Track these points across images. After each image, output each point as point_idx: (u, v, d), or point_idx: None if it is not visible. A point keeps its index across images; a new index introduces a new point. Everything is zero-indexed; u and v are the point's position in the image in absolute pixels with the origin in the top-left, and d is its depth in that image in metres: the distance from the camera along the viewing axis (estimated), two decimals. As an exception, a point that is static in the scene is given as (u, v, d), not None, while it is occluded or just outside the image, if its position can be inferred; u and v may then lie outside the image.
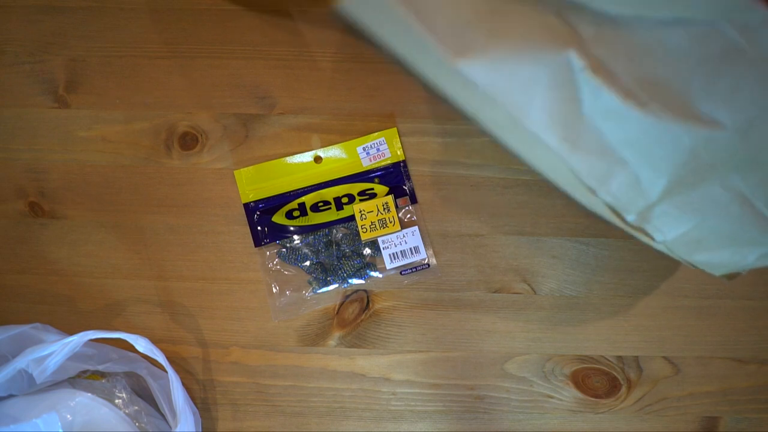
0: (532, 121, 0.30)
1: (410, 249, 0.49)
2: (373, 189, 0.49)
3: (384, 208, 0.49)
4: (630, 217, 0.33)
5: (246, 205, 0.50)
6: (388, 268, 0.49)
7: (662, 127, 0.30)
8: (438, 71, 0.31)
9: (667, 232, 0.33)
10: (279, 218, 0.49)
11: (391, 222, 0.49)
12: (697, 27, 0.29)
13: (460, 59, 0.28)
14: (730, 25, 0.29)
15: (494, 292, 0.49)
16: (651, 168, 0.31)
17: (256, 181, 0.50)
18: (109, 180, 0.50)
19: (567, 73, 0.29)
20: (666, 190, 0.32)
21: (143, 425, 0.43)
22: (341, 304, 0.49)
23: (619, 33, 0.29)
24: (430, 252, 0.49)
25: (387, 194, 0.49)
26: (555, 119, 0.30)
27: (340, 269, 0.48)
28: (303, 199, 0.49)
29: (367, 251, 0.49)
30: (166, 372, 0.42)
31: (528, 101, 0.30)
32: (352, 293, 0.49)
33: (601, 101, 0.30)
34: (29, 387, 0.42)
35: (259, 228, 0.49)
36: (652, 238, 0.34)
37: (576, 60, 0.29)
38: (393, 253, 0.49)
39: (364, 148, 0.50)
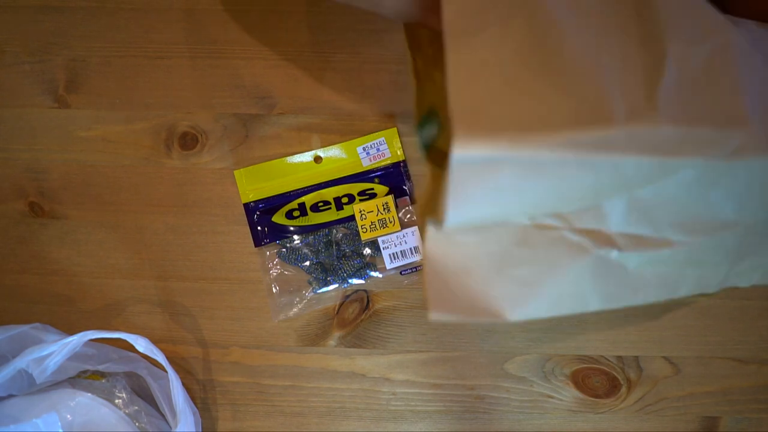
0: (596, 306, 0.33)
1: (410, 249, 0.49)
2: (373, 189, 0.49)
3: (384, 208, 0.49)
4: (711, 291, 0.36)
5: (246, 205, 0.50)
6: (388, 268, 0.49)
7: (704, 247, 0.33)
8: None
9: (747, 281, 0.37)
10: (279, 218, 0.49)
11: (391, 222, 0.49)
12: (689, 172, 0.30)
13: (514, 317, 0.31)
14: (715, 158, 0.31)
15: (494, 292, 0.49)
16: (710, 269, 0.35)
17: (256, 181, 0.50)
18: (109, 180, 0.50)
19: (604, 263, 0.32)
20: (731, 266, 0.35)
21: (143, 425, 0.43)
22: (341, 304, 0.49)
23: (629, 205, 0.31)
24: (430, 252, 0.49)
25: (387, 194, 0.49)
26: (612, 292, 0.33)
27: (340, 269, 0.48)
28: (303, 199, 0.49)
29: (367, 251, 0.49)
30: (166, 372, 0.42)
31: (584, 300, 0.33)
32: (352, 293, 0.49)
33: (642, 259, 0.33)
34: (29, 387, 0.42)
35: (259, 228, 0.49)
36: (738, 286, 0.37)
37: (604, 251, 0.32)
38: (393, 253, 0.49)
39: (364, 148, 0.50)
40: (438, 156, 0.35)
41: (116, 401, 0.44)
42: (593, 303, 0.33)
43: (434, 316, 0.31)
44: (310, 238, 0.49)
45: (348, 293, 0.49)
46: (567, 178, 0.28)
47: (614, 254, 0.32)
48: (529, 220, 0.30)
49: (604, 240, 0.31)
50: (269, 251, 0.49)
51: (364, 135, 0.50)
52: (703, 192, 0.30)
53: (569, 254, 0.31)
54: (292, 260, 0.49)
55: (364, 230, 0.49)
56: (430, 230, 0.30)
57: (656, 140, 0.28)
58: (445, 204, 0.28)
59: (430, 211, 0.31)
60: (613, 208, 0.30)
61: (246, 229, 0.49)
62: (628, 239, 0.32)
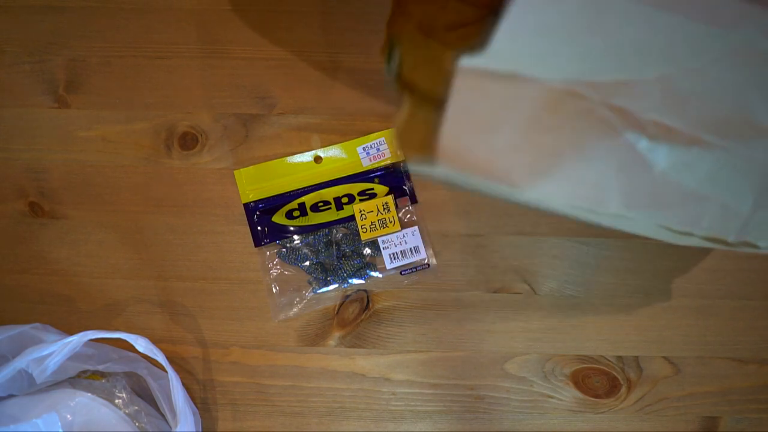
0: (615, 207, 0.31)
1: (410, 249, 0.49)
2: (373, 189, 0.49)
3: (384, 208, 0.49)
4: (731, 239, 0.34)
5: (246, 205, 0.50)
6: (388, 268, 0.49)
7: (733, 155, 0.31)
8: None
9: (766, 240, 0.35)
10: (279, 218, 0.49)
11: (391, 222, 0.49)
12: (730, 52, 0.29)
13: (528, 189, 0.30)
14: (760, 34, 0.29)
15: (494, 292, 0.49)
16: (735, 193, 0.33)
17: (256, 181, 0.50)
18: (109, 180, 0.50)
19: (630, 152, 0.30)
20: (755, 203, 0.33)
21: (143, 425, 0.43)
22: (341, 304, 0.49)
23: (664, 90, 0.30)
24: (430, 252, 0.49)
25: (387, 194, 0.49)
26: (634, 194, 0.31)
27: (340, 269, 0.48)
28: (303, 199, 0.49)
29: (367, 251, 0.49)
30: (166, 372, 0.42)
31: (604, 194, 0.31)
32: (352, 293, 0.49)
33: (669, 158, 0.31)
34: (29, 387, 0.42)
35: (259, 228, 0.49)
36: (757, 246, 0.35)
37: (633, 136, 0.30)
38: (393, 253, 0.49)
39: (364, 148, 0.50)
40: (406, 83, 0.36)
41: (116, 401, 0.44)
42: (612, 201, 0.31)
43: (441, 165, 0.29)
44: (310, 238, 0.49)
45: (348, 293, 0.49)
46: (623, 28, 0.27)
47: (643, 144, 0.30)
48: (562, 83, 0.29)
49: (634, 123, 0.30)
50: (269, 251, 0.49)
51: (364, 135, 0.50)
52: (741, 89, 0.29)
53: (597, 131, 0.30)
54: (292, 260, 0.49)
55: (364, 230, 0.49)
56: (465, 62, 0.28)
57: (717, 4, 0.27)
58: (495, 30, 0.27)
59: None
60: (649, 89, 0.29)
61: (246, 229, 0.49)
62: (659, 128, 0.30)
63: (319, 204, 0.49)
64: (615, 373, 0.48)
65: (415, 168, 0.31)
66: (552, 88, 0.29)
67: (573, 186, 0.31)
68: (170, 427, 0.44)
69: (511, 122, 0.29)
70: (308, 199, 0.49)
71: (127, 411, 0.43)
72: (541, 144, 0.30)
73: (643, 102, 0.30)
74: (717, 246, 0.35)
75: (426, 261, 0.49)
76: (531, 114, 0.29)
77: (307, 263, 0.49)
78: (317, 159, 0.50)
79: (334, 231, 0.49)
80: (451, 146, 0.29)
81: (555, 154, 0.30)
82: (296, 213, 0.49)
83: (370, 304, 0.49)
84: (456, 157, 0.29)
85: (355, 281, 0.49)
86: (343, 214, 0.49)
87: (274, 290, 0.49)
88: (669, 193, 0.32)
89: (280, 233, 0.49)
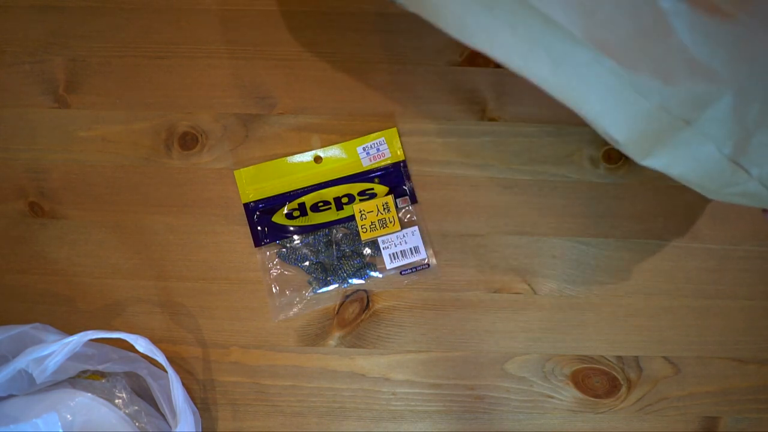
0: (619, 60, 0.28)
1: (410, 249, 0.49)
2: (373, 189, 0.49)
3: (384, 208, 0.49)
4: (726, 150, 0.31)
5: (246, 205, 0.50)
6: (388, 268, 0.49)
7: (754, 39, 0.28)
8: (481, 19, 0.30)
9: (764, 164, 0.32)
10: (279, 218, 0.49)
11: (391, 222, 0.49)
12: None
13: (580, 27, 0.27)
14: None
15: (494, 292, 0.49)
16: (747, 91, 0.30)
17: (256, 181, 0.50)
18: (109, 180, 0.50)
19: (651, 5, 0.27)
20: (761, 114, 0.30)
21: (143, 425, 0.43)
22: (341, 304, 0.49)
23: None
24: (430, 252, 0.49)
25: (387, 194, 0.49)
26: (646, 54, 0.28)
27: (340, 269, 0.48)
28: (303, 199, 0.49)
29: (367, 251, 0.49)
30: (166, 372, 0.42)
31: (612, 37, 0.28)
32: (352, 293, 0.49)
33: (690, 24, 0.28)
34: (29, 387, 0.42)
35: (259, 228, 0.49)
36: (748, 172, 0.32)
37: None
38: (393, 253, 0.49)
39: (364, 148, 0.50)
40: None
41: (116, 401, 0.44)
42: (614, 52, 0.28)
43: None
44: (310, 238, 0.49)
45: (348, 293, 0.49)
46: None
47: (666, 2, 0.27)
48: None
49: None
50: (269, 251, 0.49)
51: (364, 135, 0.50)
52: None
53: None
54: (292, 260, 0.49)
55: (364, 230, 0.49)
56: None
57: None
58: None
59: None
60: None
61: (246, 229, 0.49)
62: None
63: (319, 204, 0.49)
64: (615, 373, 0.48)
65: None
66: None
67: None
68: (170, 427, 0.44)
69: None
70: (308, 199, 0.49)
71: (127, 411, 0.43)
72: None
73: None
74: (701, 161, 0.32)
75: (426, 261, 0.49)
76: None
77: (307, 263, 0.49)
78: (317, 159, 0.50)
79: (334, 231, 0.49)
80: None
81: None
82: (296, 213, 0.49)
83: (370, 304, 0.49)
84: None
85: (355, 281, 0.49)
86: (343, 214, 0.49)
87: (274, 290, 0.49)
88: (682, 68, 0.28)
89: (280, 233, 0.49)
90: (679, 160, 0.32)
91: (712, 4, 0.28)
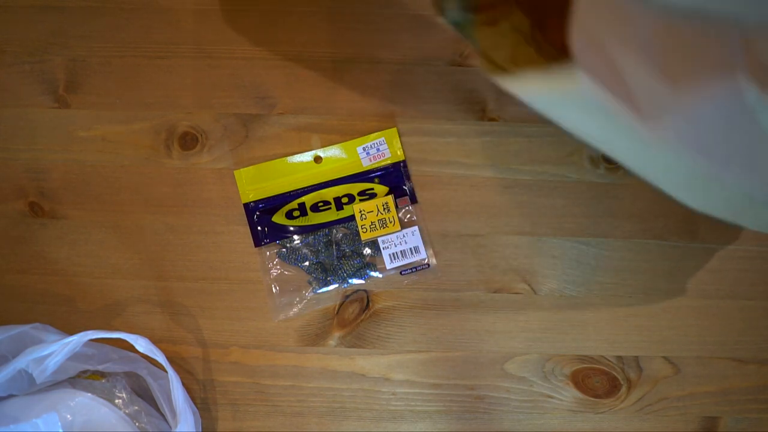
0: (719, 163, 0.27)
1: (410, 249, 0.49)
2: (373, 189, 0.49)
3: (384, 208, 0.49)
4: None
5: (246, 205, 0.50)
6: (388, 268, 0.49)
7: None
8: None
9: None
10: (279, 218, 0.49)
11: (391, 222, 0.49)
12: None
13: (653, 125, 0.26)
14: None
15: (494, 292, 0.49)
16: None
17: (256, 181, 0.50)
18: (109, 180, 0.50)
19: (737, 99, 0.26)
20: None
21: (143, 425, 0.43)
22: (341, 304, 0.49)
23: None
24: (430, 252, 0.49)
25: (387, 194, 0.49)
26: (734, 151, 0.27)
27: (340, 269, 0.48)
28: (303, 199, 0.49)
29: (367, 251, 0.49)
30: (166, 372, 0.42)
31: (712, 145, 0.27)
32: (352, 293, 0.49)
33: None
34: (29, 387, 0.42)
35: (259, 228, 0.49)
36: None
37: (745, 83, 0.25)
38: (393, 253, 0.49)
39: (364, 148, 0.50)
40: None
41: (116, 401, 0.44)
42: (717, 155, 0.26)
43: (581, 75, 0.23)
44: (310, 238, 0.49)
45: (348, 293, 0.49)
46: None
47: (752, 95, 0.25)
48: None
49: (754, 65, 0.25)
50: (269, 251, 0.49)
51: (364, 135, 0.50)
52: None
53: (712, 63, 0.25)
54: (292, 260, 0.49)
55: (364, 230, 0.49)
56: None
57: None
58: None
59: None
60: None
61: (246, 229, 0.49)
62: None
63: (319, 204, 0.49)
64: (615, 373, 0.48)
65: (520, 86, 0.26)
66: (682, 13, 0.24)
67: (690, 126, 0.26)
68: (170, 427, 0.44)
69: (635, 37, 0.25)
70: (308, 199, 0.49)
71: (127, 411, 0.43)
72: (665, 66, 0.24)
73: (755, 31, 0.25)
74: None
75: (426, 261, 0.49)
76: (651, 32, 0.25)
77: (307, 263, 0.49)
78: (317, 159, 0.50)
79: (334, 231, 0.49)
80: (582, 45, 0.24)
81: (677, 82, 0.25)
82: (296, 213, 0.49)
83: (370, 304, 0.49)
84: (589, 60, 0.24)
85: (355, 281, 0.49)
86: (343, 214, 0.49)
87: (274, 290, 0.49)
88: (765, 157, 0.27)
89: (280, 233, 0.49)
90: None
91: None
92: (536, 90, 0.28)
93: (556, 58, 0.25)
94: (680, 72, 0.25)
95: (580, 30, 0.24)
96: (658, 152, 0.27)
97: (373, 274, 0.49)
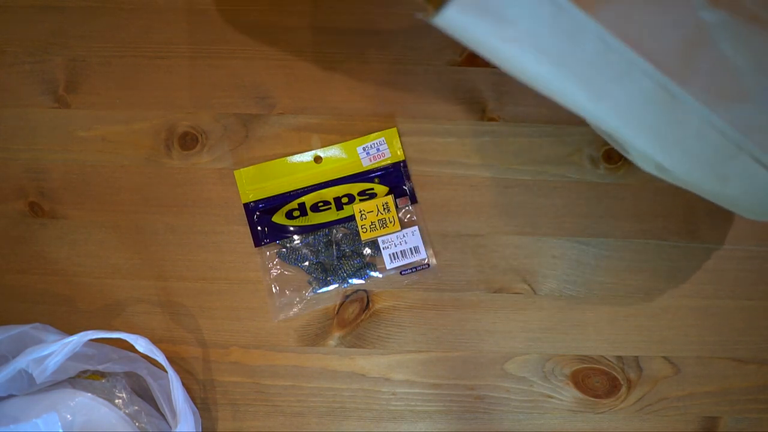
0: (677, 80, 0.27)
1: (410, 249, 0.49)
2: (373, 189, 0.49)
3: (384, 208, 0.49)
4: None
5: (246, 205, 0.50)
6: (388, 268, 0.49)
7: None
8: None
9: None
10: (279, 218, 0.49)
11: (391, 222, 0.49)
12: None
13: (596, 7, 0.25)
14: None
15: (494, 292, 0.49)
16: None
17: (256, 181, 0.50)
18: (109, 180, 0.50)
19: (693, 18, 0.26)
20: None
21: (143, 425, 0.43)
22: (341, 304, 0.49)
23: None
24: (430, 252, 0.49)
25: (387, 194, 0.49)
26: (693, 74, 0.27)
27: (340, 269, 0.48)
28: (303, 199, 0.49)
29: (367, 251, 0.49)
30: (166, 372, 0.42)
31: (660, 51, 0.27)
32: (352, 293, 0.49)
33: (730, 34, 0.27)
34: (29, 387, 0.42)
35: (259, 228, 0.49)
36: None
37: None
38: (393, 253, 0.49)
39: (364, 148, 0.50)
40: None
41: (116, 401, 0.44)
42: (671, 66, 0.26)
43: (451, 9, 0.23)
44: (310, 238, 0.49)
45: (348, 293, 0.49)
46: None
47: (706, 13, 0.26)
48: None
49: None
50: (269, 251, 0.49)
51: (364, 135, 0.50)
52: None
53: None
54: (292, 260, 0.49)
55: (364, 230, 0.49)
56: None
57: None
58: None
59: None
60: None
61: (246, 229, 0.49)
62: None
63: (319, 204, 0.49)
64: (615, 373, 0.48)
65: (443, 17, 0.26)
66: None
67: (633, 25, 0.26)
68: (170, 427, 0.44)
69: None
70: (308, 199, 0.49)
71: (127, 411, 0.43)
72: None
73: None
74: (758, 177, 0.30)
75: (426, 261, 0.49)
76: None
77: (307, 263, 0.49)
78: (317, 159, 0.50)
79: (334, 231, 0.49)
80: None
81: None
82: (296, 213, 0.49)
83: (370, 304, 0.49)
84: None
85: (355, 281, 0.49)
86: (343, 214, 0.49)
87: (274, 290, 0.49)
88: (730, 84, 0.27)
89: (280, 233, 0.49)
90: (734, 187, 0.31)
91: (753, 13, 0.27)
92: (447, 25, 0.27)
93: None
94: None
95: None
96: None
97: (373, 274, 0.49)
